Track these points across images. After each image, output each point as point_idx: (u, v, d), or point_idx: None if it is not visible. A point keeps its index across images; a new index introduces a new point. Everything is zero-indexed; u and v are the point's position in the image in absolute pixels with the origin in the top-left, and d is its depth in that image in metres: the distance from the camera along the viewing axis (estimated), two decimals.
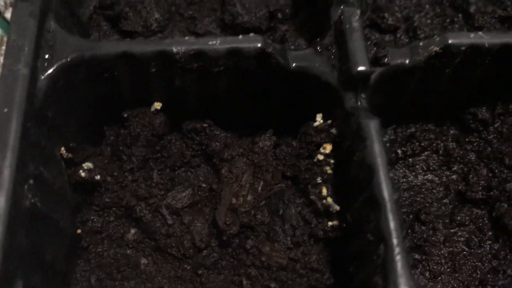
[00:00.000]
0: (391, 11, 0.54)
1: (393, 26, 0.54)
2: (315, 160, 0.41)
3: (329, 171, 0.41)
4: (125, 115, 0.44)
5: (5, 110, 0.35)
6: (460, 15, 0.55)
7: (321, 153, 0.41)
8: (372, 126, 0.37)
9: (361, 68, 0.39)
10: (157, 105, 0.44)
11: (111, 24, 0.51)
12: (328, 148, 0.41)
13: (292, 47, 0.49)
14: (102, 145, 0.45)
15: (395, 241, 0.33)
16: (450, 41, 0.41)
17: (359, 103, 0.40)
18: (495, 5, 0.54)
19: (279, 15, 0.52)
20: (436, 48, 0.41)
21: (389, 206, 0.34)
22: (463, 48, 0.41)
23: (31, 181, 0.35)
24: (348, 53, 0.40)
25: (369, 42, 0.42)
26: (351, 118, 0.39)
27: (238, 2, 0.52)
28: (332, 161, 0.41)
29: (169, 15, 0.52)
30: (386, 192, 0.34)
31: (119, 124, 0.45)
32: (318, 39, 0.43)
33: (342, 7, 0.43)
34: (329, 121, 0.42)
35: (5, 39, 0.37)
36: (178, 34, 0.52)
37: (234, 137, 0.47)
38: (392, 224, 0.34)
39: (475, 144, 0.48)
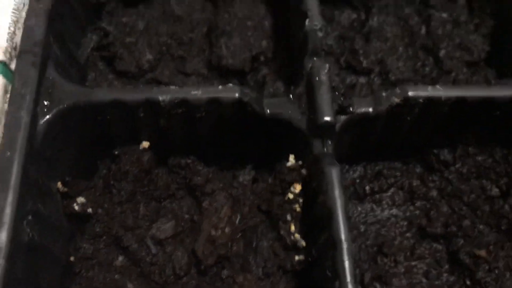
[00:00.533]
0: (367, 54, 0.59)
1: (367, 69, 0.58)
2: (286, 198, 0.46)
3: (298, 209, 0.45)
4: (116, 153, 0.48)
5: (8, 153, 0.40)
6: (430, 58, 0.59)
7: (292, 192, 0.46)
8: (334, 173, 0.41)
9: (326, 119, 0.43)
10: (145, 144, 0.49)
11: (106, 63, 0.56)
12: (297, 188, 0.45)
13: (271, 90, 0.53)
14: (95, 177, 0.50)
15: (348, 278, 0.38)
16: (409, 94, 0.46)
17: (325, 149, 0.44)
18: (463, 51, 0.58)
19: (261, 58, 0.57)
20: (397, 100, 0.46)
21: (344, 247, 0.38)
22: (421, 100, 0.46)
23: (29, 217, 0.40)
24: (316, 104, 0.44)
25: (336, 93, 0.46)
26: (317, 163, 0.43)
27: (224, 45, 0.56)
28: (301, 200, 0.45)
29: (160, 56, 0.57)
30: (343, 235, 0.39)
31: (111, 158, 0.50)
32: (292, 88, 0.48)
33: (314, 59, 0.47)
34: (300, 162, 0.47)
35: (9, 88, 0.42)
36: (168, 73, 0.56)
37: (216, 171, 0.51)
38: (346, 264, 0.38)
39: (437, 182, 0.53)
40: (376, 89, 0.53)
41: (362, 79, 0.58)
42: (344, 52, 0.60)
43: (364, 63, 0.58)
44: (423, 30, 0.61)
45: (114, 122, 0.46)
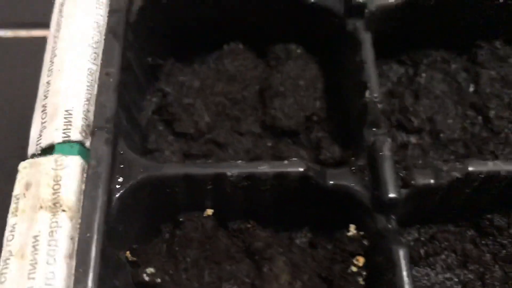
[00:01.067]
0: (417, 112, 0.60)
1: (418, 128, 0.59)
2: (349, 271, 0.47)
3: (362, 283, 0.46)
4: (181, 219, 0.50)
5: (88, 235, 0.41)
6: (479, 117, 0.60)
7: (355, 265, 0.47)
8: (402, 254, 0.42)
9: (391, 196, 0.45)
10: (209, 212, 0.50)
11: (165, 124, 0.57)
12: (361, 261, 0.47)
13: (327, 154, 0.54)
14: (158, 241, 0.51)
15: None
16: (470, 169, 0.47)
17: (389, 226, 0.45)
18: None
19: (314, 118, 0.58)
20: (458, 175, 0.47)
21: None
22: (481, 175, 0.47)
23: None
24: (380, 180, 0.45)
25: (397, 165, 0.47)
26: (382, 239, 0.45)
27: (278, 106, 0.58)
28: (364, 273, 0.47)
29: (216, 116, 0.58)
30: None
31: (174, 222, 0.51)
32: (353, 159, 0.49)
33: (374, 130, 0.49)
34: (362, 233, 0.48)
35: (85, 166, 0.43)
36: (224, 133, 0.57)
37: (273, 233, 0.53)
38: None
39: (490, 246, 0.54)
40: (433, 158, 0.54)
41: (413, 138, 0.59)
42: (394, 110, 0.61)
43: (415, 123, 0.59)
44: (471, 88, 0.62)
45: (181, 193, 0.48)
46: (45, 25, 0.75)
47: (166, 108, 0.57)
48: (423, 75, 0.63)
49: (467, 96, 0.61)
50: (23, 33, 0.77)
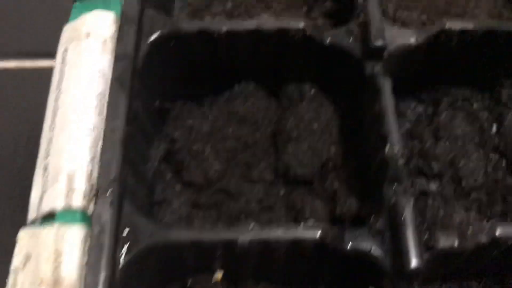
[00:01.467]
0: (437, 157, 0.57)
1: (438, 175, 0.56)
2: None
3: None
4: (188, 284, 0.47)
5: None
6: (503, 161, 0.57)
7: None
8: None
9: (414, 266, 0.42)
10: (219, 276, 0.47)
11: (173, 173, 0.55)
12: None
13: (343, 209, 0.52)
14: None
15: None
16: (497, 234, 0.44)
17: None
18: None
19: (330, 164, 0.55)
20: (483, 240, 0.44)
21: None
22: (509, 243, 0.44)
23: None
24: (401, 248, 0.43)
25: (418, 224, 0.44)
26: None
27: (292, 153, 0.55)
28: None
29: (227, 163, 0.55)
30: None
31: (181, 284, 0.49)
32: (372, 218, 0.46)
33: (395, 186, 0.46)
34: None
35: (88, 235, 0.41)
36: (234, 181, 0.55)
37: None
38: None
39: None
40: (455, 207, 0.51)
41: (433, 185, 0.56)
42: (412, 153, 0.58)
43: (436, 169, 0.56)
44: (494, 129, 0.59)
45: (189, 257, 0.45)
46: (50, 54, 0.73)
47: (174, 155, 0.55)
48: (443, 114, 0.60)
49: (489, 138, 0.59)
50: (27, 63, 0.74)
